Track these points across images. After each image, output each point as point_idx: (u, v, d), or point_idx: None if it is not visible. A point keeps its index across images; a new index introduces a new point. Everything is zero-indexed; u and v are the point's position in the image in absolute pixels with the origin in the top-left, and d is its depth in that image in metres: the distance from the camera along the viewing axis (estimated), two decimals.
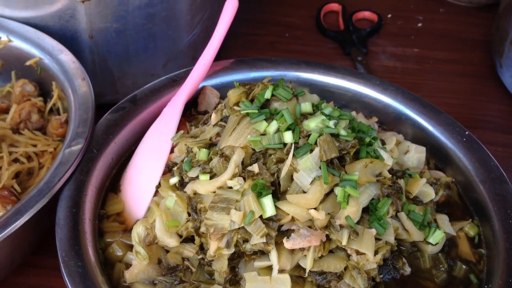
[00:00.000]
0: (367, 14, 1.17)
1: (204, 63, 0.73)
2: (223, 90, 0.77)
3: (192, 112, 0.74)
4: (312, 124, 0.56)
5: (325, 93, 0.80)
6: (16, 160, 0.68)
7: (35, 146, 0.70)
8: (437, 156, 0.73)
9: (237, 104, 0.61)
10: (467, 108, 0.98)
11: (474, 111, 0.98)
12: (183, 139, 0.64)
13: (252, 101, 0.61)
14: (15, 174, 0.66)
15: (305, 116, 0.59)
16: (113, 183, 0.67)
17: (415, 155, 0.70)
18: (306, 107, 0.59)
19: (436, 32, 1.15)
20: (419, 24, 1.17)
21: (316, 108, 0.60)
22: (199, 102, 0.75)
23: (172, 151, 0.66)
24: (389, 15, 1.19)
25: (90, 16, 0.78)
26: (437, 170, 0.72)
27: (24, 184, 0.67)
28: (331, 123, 0.56)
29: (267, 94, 0.59)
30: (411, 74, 1.05)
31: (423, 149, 0.71)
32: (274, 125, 0.56)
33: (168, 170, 0.65)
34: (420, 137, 0.75)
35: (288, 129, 0.56)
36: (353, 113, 0.75)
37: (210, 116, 0.71)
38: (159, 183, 0.63)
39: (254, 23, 1.13)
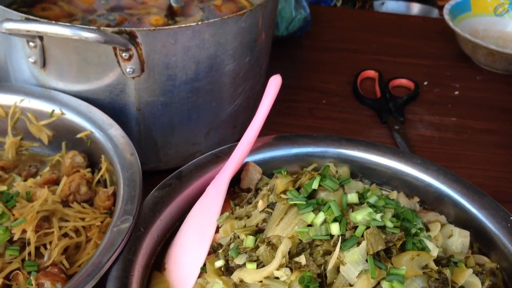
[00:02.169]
0: (403, 81, 1.18)
1: (247, 141, 0.75)
2: (265, 165, 0.79)
3: (236, 189, 0.75)
4: (359, 216, 0.57)
5: (366, 170, 0.80)
6: (64, 234, 0.70)
7: (83, 219, 0.72)
8: (481, 240, 0.72)
9: (284, 192, 0.62)
10: (507, 182, 0.97)
11: None
12: (228, 220, 0.66)
13: (298, 189, 0.62)
14: (63, 249, 0.68)
15: (351, 205, 0.60)
16: (157, 260, 0.69)
17: (459, 239, 0.70)
18: (352, 198, 0.59)
19: (473, 100, 1.16)
20: (456, 92, 1.18)
21: (361, 196, 0.61)
22: (242, 178, 0.77)
23: (217, 231, 0.67)
24: (425, 83, 1.20)
25: (139, 90, 0.81)
26: (481, 255, 0.71)
27: (71, 258, 0.69)
28: (378, 216, 0.57)
29: (315, 185, 0.60)
30: (449, 144, 1.05)
31: (467, 233, 0.71)
32: (321, 216, 0.57)
33: (213, 251, 0.65)
34: (463, 219, 0.74)
35: (335, 220, 0.57)
36: (394, 193, 0.76)
37: (253, 195, 0.72)
38: (204, 264, 0.64)
39: (292, 89, 1.15)
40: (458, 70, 1.25)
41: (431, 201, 0.77)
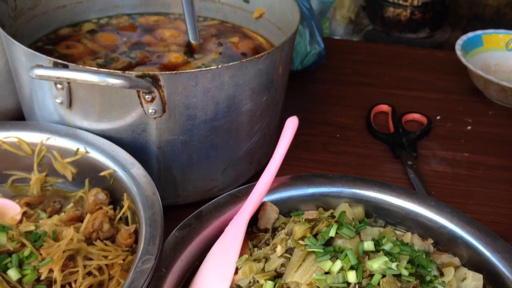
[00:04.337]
0: (416, 116, 1.20)
1: (265, 182, 0.77)
2: (281, 205, 0.81)
3: (254, 229, 0.78)
4: (375, 265, 0.59)
5: (380, 210, 0.82)
6: (88, 272, 0.72)
7: (105, 257, 0.75)
8: (494, 283, 0.73)
9: (302, 238, 0.64)
10: None
11: None
12: (247, 262, 0.68)
13: (316, 235, 0.64)
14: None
15: (367, 253, 0.62)
16: None
17: (472, 282, 0.71)
18: (368, 246, 0.61)
19: (486, 135, 1.17)
20: (469, 127, 1.19)
21: (377, 243, 0.63)
22: (259, 218, 0.79)
23: (236, 272, 0.69)
24: (438, 117, 1.22)
25: (160, 130, 0.84)
26: None
27: None
28: (394, 265, 0.59)
29: (332, 233, 0.62)
30: (462, 180, 1.06)
31: (480, 276, 0.72)
32: (338, 264, 0.59)
33: None
34: (476, 261, 0.75)
35: (351, 268, 0.59)
36: (409, 235, 0.77)
37: (271, 236, 0.74)
38: None
39: (307, 123, 1.18)
40: (470, 104, 1.26)
41: (445, 242, 0.79)
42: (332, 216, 0.67)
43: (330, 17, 2.42)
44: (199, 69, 0.80)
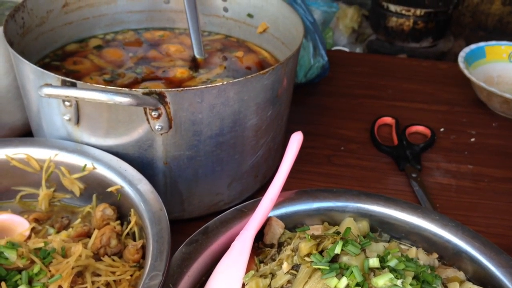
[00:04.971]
0: (420, 128, 1.21)
1: (271, 197, 0.78)
2: (287, 220, 0.82)
3: (260, 245, 0.78)
4: (381, 282, 0.59)
5: (385, 224, 0.83)
6: None
7: (113, 273, 0.75)
8: None
9: (308, 255, 0.65)
10: None
11: None
12: (254, 278, 0.68)
13: (321, 251, 0.65)
14: None
15: (372, 269, 0.62)
16: None
17: None
18: (374, 262, 0.62)
19: (490, 147, 1.18)
20: (472, 139, 1.20)
21: (382, 259, 0.64)
22: (265, 233, 0.80)
23: (242, 287, 0.70)
24: (442, 129, 1.22)
25: (167, 145, 0.85)
26: None
27: None
28: (399, 282, 0.59)
29: (337, 250, 0.63)
30: (466, 192, 1.06)
31: None
32: (344, 281, 0.59)
33: None
34: (481, 275, 0.76)
35: (357, 285, 0.59)
36: (413, 250, 0.78)
37: (277, 251, 0.75)
38: None
39: (311, 136, 1.18)
40: (474, 116, 1.27)
41: (450, 256, 0.79)
42: (337, 233, 0.67)
43: (333, 27, 2.44)
44: (205, 86, 0.81)
